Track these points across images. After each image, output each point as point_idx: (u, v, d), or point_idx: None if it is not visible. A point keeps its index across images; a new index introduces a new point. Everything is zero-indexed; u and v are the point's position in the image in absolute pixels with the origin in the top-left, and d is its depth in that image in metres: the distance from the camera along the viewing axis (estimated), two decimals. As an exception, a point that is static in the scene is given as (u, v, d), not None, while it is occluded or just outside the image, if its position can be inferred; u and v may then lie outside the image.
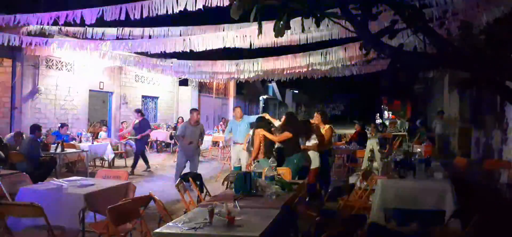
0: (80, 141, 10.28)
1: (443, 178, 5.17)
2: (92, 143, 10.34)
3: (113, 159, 10.96)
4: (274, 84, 33.91)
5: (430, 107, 21.56)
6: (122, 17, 6.80)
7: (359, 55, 8.21)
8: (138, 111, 10.84)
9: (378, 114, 36.66)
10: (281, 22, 2.67)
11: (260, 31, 3.01)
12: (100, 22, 7.27)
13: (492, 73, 2.59)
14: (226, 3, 5.76)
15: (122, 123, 13.72)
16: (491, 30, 2.48)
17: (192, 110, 8.45)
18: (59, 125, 10.53)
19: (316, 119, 7.42)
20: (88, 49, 9.21)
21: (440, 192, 4.85)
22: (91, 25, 8.05)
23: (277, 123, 7.41)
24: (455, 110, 12.71)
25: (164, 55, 9.86)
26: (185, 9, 6.10)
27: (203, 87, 19.85)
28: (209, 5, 5.94)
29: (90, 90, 12.96)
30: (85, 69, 12.50)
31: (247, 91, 26.82)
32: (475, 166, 8.12)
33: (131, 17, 6.65)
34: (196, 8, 6.04)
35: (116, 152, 11.55)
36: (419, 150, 6.66)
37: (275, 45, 7.93)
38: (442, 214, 4.65)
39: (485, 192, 6.15)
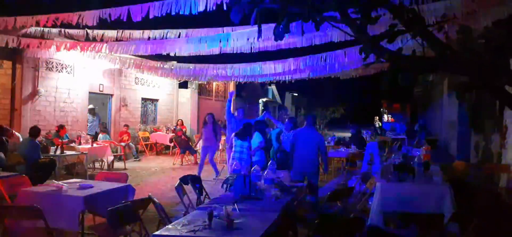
0: (80, 143, 10.27)
1: (442, 182, 5.17)
2: (92, 145, 10.33)
3: (112, 161, 10.95)
4: (273, 87, 33.99)
5: (429, 111, 21.58)
6: (123, 19, 6.80)
7: (359, 59, 8.22)
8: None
9: (377, 117, 36.67)
10: (281, 26, 2.68)
11: (260, 35, 3.03)
12: (100, 24, 7.27)
13: (491, 78, 2.60)
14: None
15: (124, 125, 13.70)
16: (490, 35, 2.49)
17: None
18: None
19: None
20: (85, 49, 9.18)
21: (439, 196, 4.85)
22: (91, 27, 8.03)
23: None
24: (454, 114, 12.72)
25: (164, 58, 9.84)
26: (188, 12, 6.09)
27: (202, 90, 19.84)
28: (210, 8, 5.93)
29: (89, 92, 12.96)
30: (85, 71, 12.49)
31: (247, 94, 26.85)
32: (474, 170, 8.12)
33: (133, 19, 6.65)
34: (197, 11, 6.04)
35: (115, 154, 11.54)
36: (418, 153, 6.66)
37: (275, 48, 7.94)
38: (441, 217, 4.65)
39: (484, 195, 6.14)
